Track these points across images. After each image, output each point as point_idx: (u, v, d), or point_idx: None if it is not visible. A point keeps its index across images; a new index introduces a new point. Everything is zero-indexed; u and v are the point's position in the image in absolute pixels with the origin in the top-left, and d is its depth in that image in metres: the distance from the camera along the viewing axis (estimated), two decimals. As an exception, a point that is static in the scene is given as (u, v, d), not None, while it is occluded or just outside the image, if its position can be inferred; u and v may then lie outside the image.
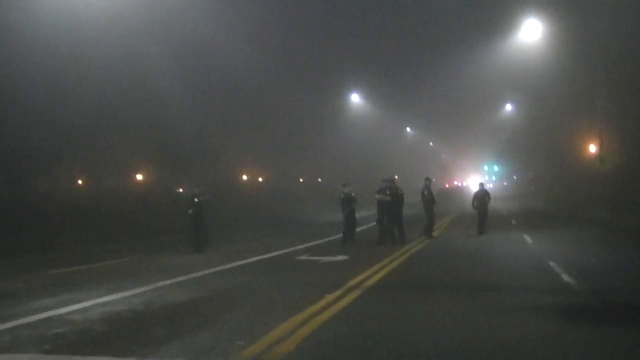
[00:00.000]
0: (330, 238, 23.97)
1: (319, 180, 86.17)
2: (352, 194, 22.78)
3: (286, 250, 20.87)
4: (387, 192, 22.16)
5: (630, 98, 36.41)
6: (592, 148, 39.50)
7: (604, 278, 13.31)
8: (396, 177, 25.79)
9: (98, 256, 20.27)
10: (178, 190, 56.79)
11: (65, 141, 40.68)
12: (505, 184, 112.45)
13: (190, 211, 21.77)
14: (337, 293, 11.65)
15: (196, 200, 21.92)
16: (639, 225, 24.60)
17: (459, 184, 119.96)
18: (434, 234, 25.15)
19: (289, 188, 73.06)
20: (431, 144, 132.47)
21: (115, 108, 42.32)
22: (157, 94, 45.92)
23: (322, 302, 10.74)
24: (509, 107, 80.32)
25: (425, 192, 25.12)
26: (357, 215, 23.23)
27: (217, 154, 58.95)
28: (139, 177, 56.58)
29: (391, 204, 22.09)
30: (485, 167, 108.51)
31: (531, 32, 43.62)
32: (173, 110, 46.78)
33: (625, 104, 37.13)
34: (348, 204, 22.50)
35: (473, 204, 27.07)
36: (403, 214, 22.81)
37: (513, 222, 34.02)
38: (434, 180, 26.96)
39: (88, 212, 37.69)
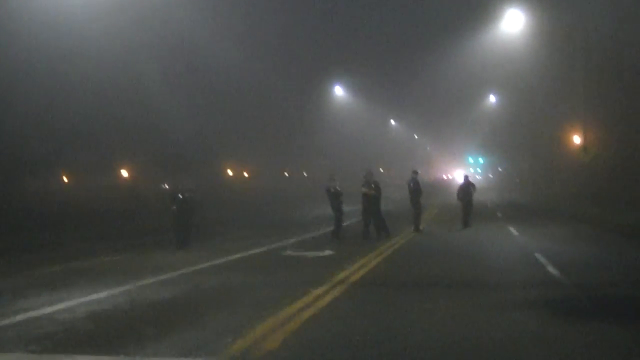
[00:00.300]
0: (316, 233, 23.97)
1: (304, 174, 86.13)
2: (338, 188, 22.76)
3: (272, 246, 20.80)
4: (373, 186, 22.17)
5: (612, 88, 36.61)
6: (577, 139, 39.64)
7: (588, 271, 13.45)
8: (381, 170, 25.91)
9: (83, 255, 20.15)
10: (164, 187, 56.68)
11: (52, 139, 40.53)
12: (491, 176, 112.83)
13: (174, 207, 21.61)
14: (323, 288, 11.67)
15: (180, 196, 21.77)
16: (622, 219, 24.72)
17: (445, 177, 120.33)
18: (420, 227, 25.16)
19: (274, 183, 73.01)
20: (416, 136, 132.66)
21: (100, 105, 42.14)
22: (140, 90, 45.76)
23: (309, 298, 10.76)
24: (492, 98, 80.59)
25: (411, 184, 25.13)
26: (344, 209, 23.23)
27: (201, 149, 58.79)
28: (125, 173, 56.45)
29: (376, 198, 22.11)
30: (470, 160, 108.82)
31: (513, 23, 43.69)
32: (157, 106, 46.62)
33: (607, 94, 37.31)
34: (336, 198, 22.50)
35: (458, 195, 27.15)
36: (386, 209, 22.84)
37: (498, 214, 34.18)
38: (419, 172, 26.95)
39: (74, 211, 37.50)
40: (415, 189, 25.04)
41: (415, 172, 25.81)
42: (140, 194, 50.40)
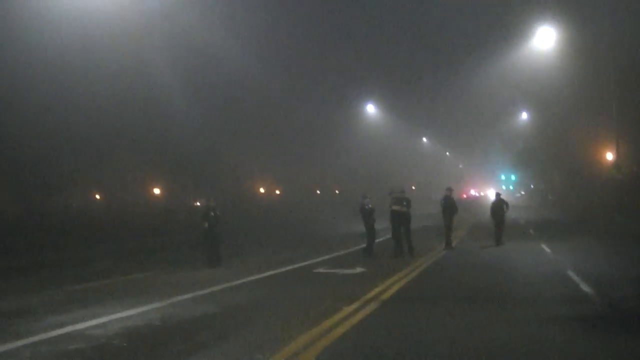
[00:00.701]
0: (347, 250, 23.91)
1: (337, 192, 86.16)
2: (370, 205, 22.73)
3: (303, 263, 20.81)
4: (404, 203, 22.08)
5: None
6: (609, 156, 39.29)
7: (623, 288, 13.23)
8: (413, 187, 25.86)
9: (114, 272, 20.28)
10: (195, 204, 56.94)
11: (82, 158, 40.87)
12: (523, 192, 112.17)
13: (206, 225, 21.68)
14: (355, 305, 11.64)
15: (212, 214, 21.85)
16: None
17: (476, 194, 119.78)
18: (453, 244, 25.02)
19: (306, 200, 73.11)
20: (447, 153, 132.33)
21: (130, 124, 42.46)
22: (172, 109, 46.07)
23: (340, 315, 10.74)
24: (524, 115, 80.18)
25: (443, 202, 25.05)
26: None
27: (233, 167, 59.02)
28: (157, 191, 56.78)
29: (408, 215, 22.01)
30: (503, 177, 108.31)
31: (545, 40, 43.46)
32: (188, 125, 46.92)
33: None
34: (369, 215, 22.48)
35: (491, 211, 26.99)
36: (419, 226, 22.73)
37: (531, 231, 33.90)
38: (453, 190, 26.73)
39: (104, 228, 37.79)
40: (448, 206, 24.94)
41: (450, 190, 25.70)
42: (170, 212, 50.71)
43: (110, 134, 41.83)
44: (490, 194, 73.23)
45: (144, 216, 47.47)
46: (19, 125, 34.73)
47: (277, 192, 77.92)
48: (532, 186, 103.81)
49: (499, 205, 26.63)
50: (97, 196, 56.60)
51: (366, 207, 22.58)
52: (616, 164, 35.68)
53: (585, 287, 13.09)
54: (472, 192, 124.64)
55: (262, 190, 73.17)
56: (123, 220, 43.35)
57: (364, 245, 22.71)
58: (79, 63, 36.60)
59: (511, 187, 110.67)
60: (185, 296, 13.87)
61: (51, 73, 34.91)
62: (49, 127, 36.41)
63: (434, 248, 24.34)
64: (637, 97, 37.45)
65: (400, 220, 21.94)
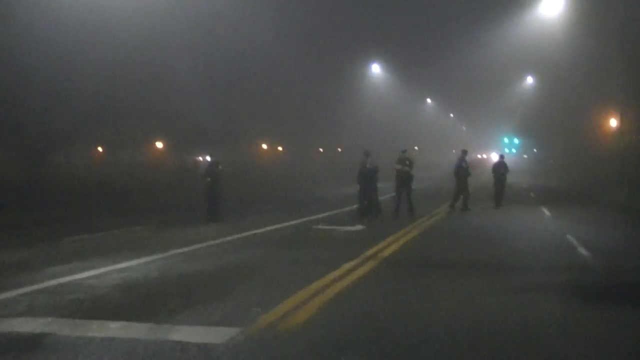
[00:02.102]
0: (347, 208, 23.92)
1: (339, 150, 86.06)
2: (375, 164, 22.61)
3: (303, 220, 20.87)
4: (407, 163, 22.02)
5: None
6: (613, 122, 39.14)
7: (620, 255, 13.24)
8: (416, 148, 25.79)
9: (114, 226, 20.28)
10: (197, 159, 56.92)
11: (84, 115, 40.66)
12: (525, 156, 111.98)
13: (209, 179, 21.69)
14: (354, 262, 11.68)
15: (214, 168, 21.84)
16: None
17: (480, 157, 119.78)
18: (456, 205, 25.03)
19: (308, 158, 73.09)
20: (451, 115, 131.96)
21: (133, 83, 42.17)
22: (176, 69, 45.80)
23: (339, 272, 10.77)
24: (529, 79, 79.94)
25: (463, 164, 25.09)
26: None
27: (237, 124, 58.85)
28: (159, 145, 56.71)
29: (410, 175, 21.95)
30: (506, 140, 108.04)
31: (552, 6, 43.24)
32: (192, 83, 46.68)
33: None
34: (372, 175, 22.32)
35: (493, 170, 27.15)
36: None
37: (532, 195, 33.96)
38: (454, 152, 26.80)
39: (105, 185, 37.77)
40: (465, 169, 25.00)
41: (465, 152, 25.81)
42: (170, 169, 50.70)
43: (115, 92, 41.58)
44: (493, 157, 73.24)
45: (145, 172, 47.43)
46: (19, 83, 34.52)
47: (280, 148, 77.88)
48: (534, 150, 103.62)
49: (498, 167, 26.68)
50: (100, 149, 56.54)
51: (368, 165, 22.39)
52: (620, 130, 35.52)
53: (583, 252, 13.13)
54: (477, 154, 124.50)
55: (264, 146, 73.11)
56: (124, 176, 43.34)
57: (361, 204, 22.57)
58: (84, 24, 36.32)
59: (514, 151, 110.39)
60: (185, 250, 13.92)
61: (54, 31, 34.64)
62: (50, 85, 36.21)
63: (434, 209, 24.36)
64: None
65: (402, 180, 21.91)
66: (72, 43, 35.51)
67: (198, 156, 56.18)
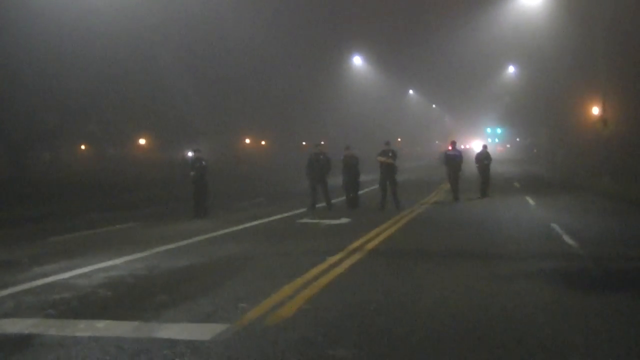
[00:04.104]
0: (332, 201, 23.95)
1: (322, 143, 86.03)
2: (355, 156, 22.82)
3: (288, 214, 20.90)
4: (390, 155, 22.08)
5: (633, 59, 36.22)
6: (595, 110, 39.24)
7: (604, 242, 13.32)
8: (399, 139, 25.97)
9: (99, 224, 20.23)
10: (187, 154, 56.89)
11: (70, 111, 40.52)
12: (508, 146, 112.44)
13: (193, 173, 21.65)
14: (339, 256, 11.70)
15: (197, 164, 21.79)
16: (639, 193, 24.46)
17: (463, 147, 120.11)
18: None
19: (292, 152, 73.05)
20: (434, 106, 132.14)
21: (115, 78, 41.97)
22: (157, 63, 45.62)
23: (324, 265, 10.78)
24: (511, 69, 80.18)
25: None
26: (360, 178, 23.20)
27: (220, 118, 58.77)
28: (142, 142, 56.52)
29: (394, 167, 22.03)
30: (488, 130, 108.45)
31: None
32: (174, 77, 46.52)
33: (628, 65, 36.94)
34: (353, 167, 22.48)
35: (476, 160, 27.30)
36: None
37: (516, 184, 34.09)
38: (437, 142, 27.10)
39: (90, 181, 37.67)
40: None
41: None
42: (156, 164, 50.61)
43: (101, 88, 41.40)
44: (475, 147, 73.41)
45: (131, 169, 47.37)
46: (4, 79, 34.33)
47: (263, 143, 77.78)
48: (517, 139, 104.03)
49: (482, 157, 26.78)
50: (83, 147, 56.33)
51: (347, 158, 22.61)
52: (603, 119, 35.61)
53: (568, 240, 13.20)
54: (462, 145, 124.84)
55: (247, 141, 73.00)
56: (110, 173, 43.27)
57: (347, 196, 22.72)
58: (70, 20, 36.09)
59: (497, 140, 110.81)
60: (171, 246, 13.89)
61: (40, 27, 34.43)
62: (36, 81, 36.02)
63: (419, 200, 24.43)
64: (624, 51, 37.34)
65: (386, 172, 21.98)
66: (57, 39, 35.33)
67: (185, 151, 56.12)
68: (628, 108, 37.73)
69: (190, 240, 14.82)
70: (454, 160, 25.57)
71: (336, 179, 23.48)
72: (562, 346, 6.38)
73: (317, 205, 22.18)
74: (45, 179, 37.16)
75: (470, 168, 30.61)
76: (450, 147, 26.52)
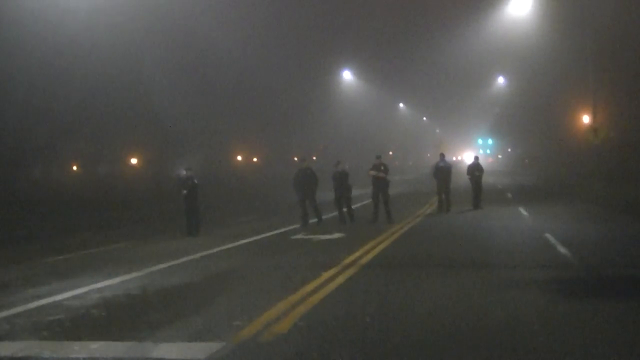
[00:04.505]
0: (325, 216, 23.96)
1: (314, 158, 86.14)
2: (346, 170, 22.80)
3: (281, 230, 20.86)
4: (382, 168, 22.09)
5: (622, 68, 36.43)
6: (586, 119, 39.37)
7: (599, 251, 13.40)
8: (390, 153, 26.01)
9: (92, 243, 20.18)
10: (182, 172, 56.85)
11: (58, 129, 40.51)
12: (500, 156, 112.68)
13: (185, 192, 21.58)
14: (333, 271, 11.68)
15: (189, 182, 21.72)
16: (633, 200, 24.55)
17: (455, 159, 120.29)
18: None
19: (283, 168, 73.06)
20: (425, 119, 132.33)
21: (104, 96, 42.00)
22: (146, 80, 45.66)
23: (318, 281, 10.77)
24: (500, 80, 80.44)
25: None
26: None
27: (210, 135, 58.77)
28: (134, 161, 56.45)
29: (386, 181, 22.03)
30: (480, 141, 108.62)
31: (520, 5, 43.55)
32: (164, 95, 46.54)
33: (617, 74, 37.13)
34: (344, 181, 22.43)
35: (467, 172, 27.38)
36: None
37: (508, 195, 34.13)
38: (429, 155, 27.24)
39: (81, 200, 37.59)
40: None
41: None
42: (147, 182, 50.55)
43: (92, 105, 41.42)
44: (467, 158, 73.53)
45: (122, 187, 47.29)
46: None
47: (255, 159, 77.79)
48: (509, 149, 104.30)
49: (473, 169, 26.84)
50: (75, 167, 56.23)
51: (337, 174, 22.56)
52: (593, 128, 35.72)
53: (562, 250, 13.22)
54: (451, 157, 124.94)
55: (239, 158, 72.98)
56: (101, 191, 43.18)
57: (340, 211, 22.69)
58: (53, 37, 36.12)
59: (488, 152, 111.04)
60: (164, 265, 13.85)
61: (32, 44, 34.48)
62: (25, 100, 36.00)
63: (412, 214, 24.44)
64: (614, 61, 37.54)
65: (378, 186, 21.99)
66: (47, 57, 35.37)
67: (179, 170, 56.12)
68: (618, 114, 37.89)
69: (183, 259, 14.78)
70: (443, 172, 25.61)
71: (327, 194, 23.47)
72: (557, 354, 6.39)
73: (310, 221, 22.15)
74: (35, 197, 37.04)
75: (462, 180, 30.65)
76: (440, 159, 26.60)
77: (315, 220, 22.33)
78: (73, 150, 48.17)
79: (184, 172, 22.60)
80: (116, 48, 40.62)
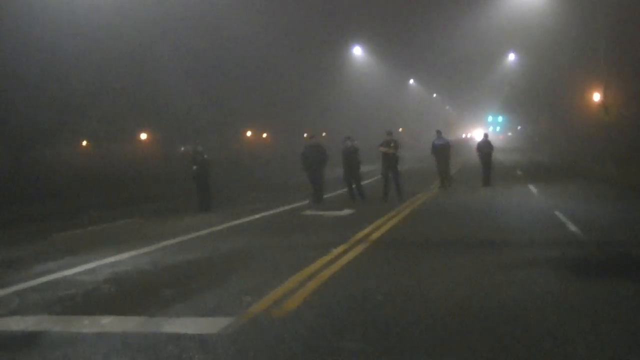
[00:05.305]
0: (335, 192, 23.92)
1: (324, 134, 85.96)
2: (355, 146, 22.63)
3: (291, 206, 20.87)
4: (392, 145, 22.01)
5: (635, 45, 36.13)
6: (596, 97, 39.11)
7: (609, 229, 13.31)
8: (400, 129, 25.92)
9: (102, 220, 20.24)
10: (182, 149, 56.80)
11: (68, 107, 40.42)
12: (510, 134, 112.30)
13: (195, 167, 21.59)
14: (343, 247, 11.67)
15: (199, 158, 21.71)
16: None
17: (465, 136, 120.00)
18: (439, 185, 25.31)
19: (293, 144, 72.96)
20: (435, 95, 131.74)
21: (115, 75, 41.89)
22: (157, 59, 45.52)
23: (329, 257, 10.76)
24: (512, 56, 79.90)
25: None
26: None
27: (220, 113, 58.66)
28: (143, 136, 56.40)
29: (396, 157, 21.96)
30: (490, 118, 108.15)
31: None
32: (174, 73, 46.39)
33: (630, 51, 36.85)
34: (351, 157, 22.26)
35: (477, 148, 27.33)
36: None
37: (518, 172, 34.06)
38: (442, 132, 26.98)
39: (93, 178, 37.65)
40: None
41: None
42: (158, 159, 50.59)
43: (100, 84, 41.30)
44: (477, 136, 73.29)
45: (132, 165, 47.30)
46: (3, 76, 34.24)
47: (264, 135, 77.67)
48: (519, 127, 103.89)
49: (484, 146, 26.77)
50: (84, 143, 56.22)
51: (348, 149, 22.38)
52: (605, 106, 35.47)
53: (572, 228, 13.17)
54: (461, 134, 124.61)
55: (249, 133, 72.87)
56: (112, 169, 43.24)
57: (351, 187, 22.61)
58: (68, 17, 35.97)
59: (498, 129, 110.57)
60: (175, 241, 13.89)
61: (39, 24, 34.32)
62: (36, 78, 35.93)
63: (422, 190, 24.41)
64: (626, 38, 37.22)
65: (388, 162, 21.92)
66: (57, 37, 35.19)
67: (187, 146, 56.00)
68: (629, 93, 37.61)
69: (194, 235, 14.82)
70: (439, 149, 25.54)
71: (336, 170, 23.42)
72: (569, 333, 6.37)
73: (324, 196, 22.13)
74: (46, 176, 37.10)
75: (472, 157, 30.60)
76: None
77: (327, 196, 22.30)
78: (83, 129, 48.05)
79: (198, 148, 22.60)
80: (129, 30, 40.51)
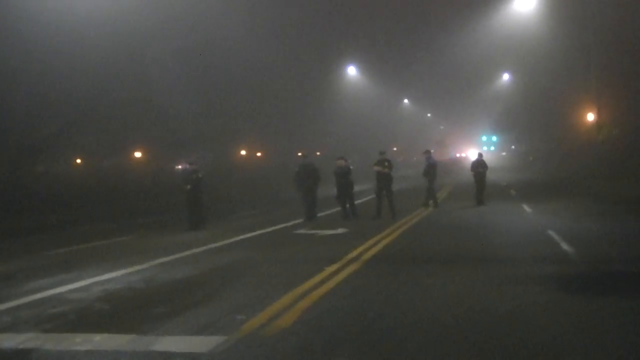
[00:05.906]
0: (328, 212, 23.94)
1: (317, 154, 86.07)
2: (350, 167, 22.72)
3: (284, 225, 20.86)
4: (386, 164, 22.06)
5: (626, 65, 36.36)
6: (590, 116, 39.31)
7: (603, 248, 13.31)
8: (394, 148, 25.98)
9: (96, 236, 20.22)
10: (178, 167, 56.79)
11: (63, 122, 40.47)
12: (504, 154, 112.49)
13: (188, 187, 21.58)
14: (336, 266, 11.66)
15: (193, 176, 21.71)
16: (636, 197, 24.50)
17: (459, 155, 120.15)
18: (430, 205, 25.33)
19: (287, 163, 73.04)
20: (429, 115, 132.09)
21: (109, 89, 41.94)
22: (150, 73, 45.57)
23: (322, 275, 10.75)
24: (506, 76, 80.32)
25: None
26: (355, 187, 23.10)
27: (214, 130, 58.71)
28: (138, 154, 56.41)
29: (389, 177, 22.00)
30: (484, 138, 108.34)
31: (525, 2, 43.61)
32: (168, 89, 46.45)
33: (621, 71, 37.08)
34: (346, 176, 22.32)
35: (471, 168, 27.39)
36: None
37: (512, 192, 34.06)
38: (433, 152, 27.06)
39: (86, 193, 37.65)
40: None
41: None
42: (151, 175, 50.61)
43: (97, 99, 41.36)
44: (471, 155, 73.41)
45: (126, 180, 47.34)
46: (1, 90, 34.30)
47: (259, 154, 77.73)
48: (512, 147, 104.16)
49: (477, 165, 26.84)
50: (78, 160, 56.19)
51: (339, 170, 22.43)
52: (598, 125, 35.66)
53: (566, 247, 13.17)
54: (455, 153, 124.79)
55: (243, 152, 72.93)
56: (105, 185, 43.25)
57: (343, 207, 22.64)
58: (59, 28, 36.01)
59: (492, 148, 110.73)
60: (168, 258, 13.87)
61: (37, 37, 34.36)
62: (30, 92, 35.97)
63: (415, 209, 24.41)
64: (618, 58, 37.47)
65: (382, 181, 21.95)
66: (52, 50, 35.26)
67: (180, 163, 56.01)
68: (621, 111, 37.82)
69: (186, 252, 14.80)
70: (430, 169, 25.70)
71: (329, 189, 23.45)
72: (562, 348, 6.40)
73: (317, 215, 22.16)
74: (40, 190, 37.11)
75: (466, 176, 30.65)
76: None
77: (321, 214, 22.32)
78: (79, 144, 48.05)
79: (187, 167, 22.60)
80: (121, 44, 40.54)
